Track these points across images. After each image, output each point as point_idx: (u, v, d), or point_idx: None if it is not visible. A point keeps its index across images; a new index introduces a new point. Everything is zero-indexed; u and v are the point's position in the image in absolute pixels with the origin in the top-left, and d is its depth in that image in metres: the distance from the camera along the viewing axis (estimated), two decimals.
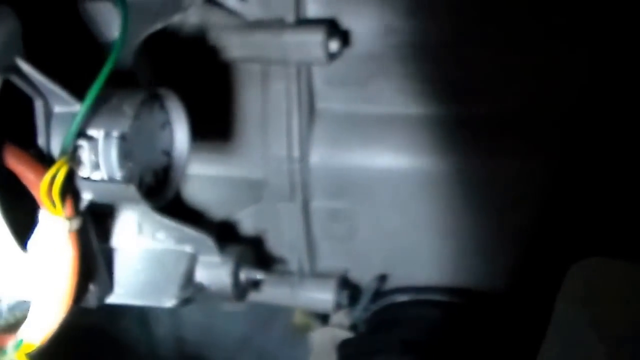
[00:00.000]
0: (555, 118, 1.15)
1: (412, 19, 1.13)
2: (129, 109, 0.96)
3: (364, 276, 1.31)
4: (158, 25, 1.05)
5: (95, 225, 1.11)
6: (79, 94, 0.95)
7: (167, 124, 1.07)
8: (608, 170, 1.16)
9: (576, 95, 1.13)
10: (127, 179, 0.96)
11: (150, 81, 1.11)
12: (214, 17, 1.16)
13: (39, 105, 0.96)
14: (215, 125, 1.23)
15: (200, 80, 1.20)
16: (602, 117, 1.13)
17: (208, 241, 1.16)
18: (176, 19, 1.06)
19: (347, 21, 1.15)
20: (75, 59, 1.02)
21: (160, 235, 1.17)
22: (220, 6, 1.15)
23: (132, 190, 0.98)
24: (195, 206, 1.30)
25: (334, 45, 1.12)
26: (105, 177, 0.96)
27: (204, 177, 1.26)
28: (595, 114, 1.13)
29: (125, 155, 0.96)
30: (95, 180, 0.97)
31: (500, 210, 1.20)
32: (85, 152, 0.95)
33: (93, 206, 1.03)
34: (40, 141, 0.97)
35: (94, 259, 1.10)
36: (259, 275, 1.22)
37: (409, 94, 1.17)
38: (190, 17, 1.16)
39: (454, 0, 1.12)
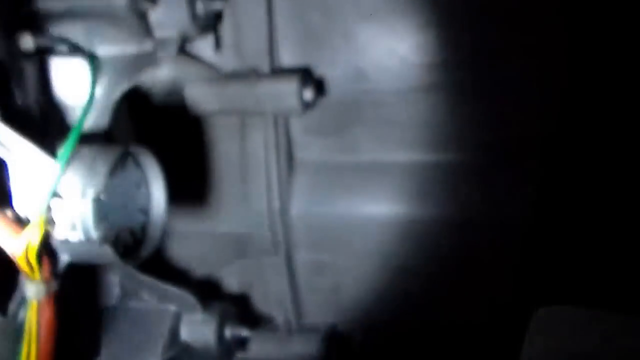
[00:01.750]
0: (532, 166, 1.13)
1: (384, 64, 1.12)
2: (102, 168, 0.94)
3: (352, 329, 1.28)
4: (133, 81, 1.05)
5: (77, 286, 1.10)
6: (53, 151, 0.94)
7: (142, 182, 1.05)
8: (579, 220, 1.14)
9: (552, 142, 1.12)
10: (103, 240, 0.95)
11: (127, 137, 1.10)
12: (189, 70, 1.15)
13: (11, 166, 0.94)
14: (195, 180, 1.21)
15: (178, 134, 1.19)
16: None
17: (191, 299, 1.14)
18: (149, 74, 1.05)
19: (321, 69, 1.14)
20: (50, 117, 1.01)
21: (144, 294, 1.15)
22: (195, 59, 1.14)
23: (107, 250, 0.96)
24: (178, 263, 1.27)
25: (308, 94, 1.11)
26: (82, 238, 0.94)
27: (186, 233, 1.25)
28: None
29: (100, 215, 0.94)
30: (71, 242, 0.95)
31: (480, 258, 1.17)
32: (59, 213, 0.94)
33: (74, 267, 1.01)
34: (15, 202, 0.95)
35: (77, 320, 1.08)
36: (244, 332, 1.19)
37: (386, 141, 1.16)
38: (165, 71, 1.15)
39: (427, 44, 1.11)
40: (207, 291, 1.22)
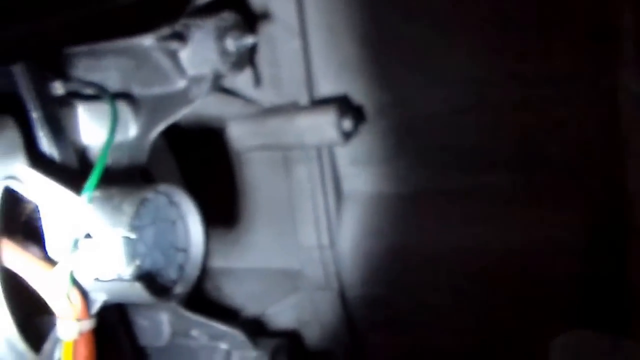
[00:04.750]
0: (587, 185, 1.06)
1: (424, 88, 1.09)
2: (129, 208, 0.95)
3: None
4: (169, 120, 1.05)
5: (125, 325, 1.11)
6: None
7: (178, 220, 1.05)
8: None
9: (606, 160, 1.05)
10: (135, 278, 0.95)
11: (170, 177, 1.11)
12: (229, 107, 1.16)
13: (42, 208, 0.97)
14: (243, 217, 1.21)
15: (222, 171, 1.19)
16: None
17: (241, 336, 1.13)
18: (186, 111, 1.05)
19: (360, 97, 1.12)
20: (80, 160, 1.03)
21: (194, 332, 1.14)
22: (234, 95, 1.14)
23: (140, 288, 0.96)
24: (229, 301, 1.27)
25: (347, 123, 1.09)
26: (113, 277, 0.95)
27: (236, 270, 1.24)
28: None
29: (131, 253, 0.95)
30: (103, 280, 0.96)
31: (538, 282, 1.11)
32: (90, 253, 0.95)
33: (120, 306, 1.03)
34: (47, 243, 0.97)
35: (125, 358, 1.09)
36: None
37: (433, 168, 1.12)
38: (205, 109, 1.16)
39: (466, 65, 1.07)
40: (259, 328, 1.21)
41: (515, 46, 1.04)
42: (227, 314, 1.20)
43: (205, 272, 1.10)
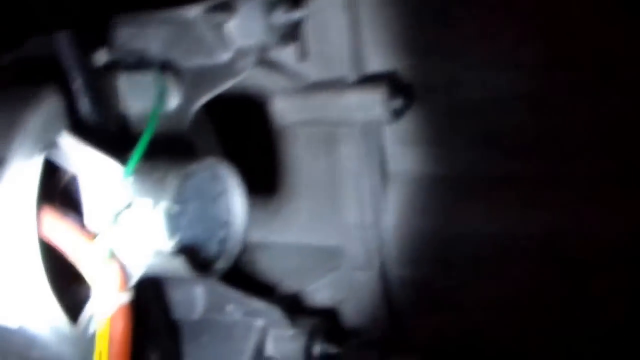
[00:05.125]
0: None
1: (478, 70, 1.06)
2: (174, 180, 0.93)
3: (452, 346, 1.21)
4: (212, 93, 1.03)
5: (159, 297, 1.10)
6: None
7: (221, 195, 1.03)
8: None
9: None
10: (175, 252, 0.94)
11: (211, 150, 1.09)
12: (273, 81, 1.13)
13: (83, 178, 0.95)
14: (284, 192, 1.19)
15: (264, 146, 1.17)
16: None
17: (278, 313, 1.11)
18: (230, 84, 1.03)
19: (411, 76, 1.09)
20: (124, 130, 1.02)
21: (229, 308, 1.13)
22: (279, 68, 1.12)
23: (180, 263, 0.94)
24: (266, 276, 1.25)
25: (397, 102, 1.07)
26: (154, 250, 0.94)
27: (275, 245, 1.22)
28: None
29: (173, 227, 0.93)
30: (143, 253, 0.94)
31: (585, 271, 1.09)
32: (131, 225, 0.93)
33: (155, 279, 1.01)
34: (86, 214, 0.96)
35: (157, 332, 1.08)
36: (334, 349, 1.15)
37: (483, 152, 1.09)
38: (249, 82, 1.13)
39: (524, 48, 1.03)
40: (296, 306, 1.19)
41: (570, 30, 1.00)
42: (262, 289, 1.17)
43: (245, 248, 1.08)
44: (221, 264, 1.03)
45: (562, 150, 1.06)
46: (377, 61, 1.10)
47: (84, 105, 0.97)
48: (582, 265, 1.07)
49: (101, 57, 1.00)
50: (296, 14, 1.02)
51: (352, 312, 1.24)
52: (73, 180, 0.98)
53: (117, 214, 0.93)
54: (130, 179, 0.93)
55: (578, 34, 1.01)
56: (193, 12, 1.00)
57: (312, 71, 1.12)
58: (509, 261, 1.10)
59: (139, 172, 0.93)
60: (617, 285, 1.06)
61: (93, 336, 0.95)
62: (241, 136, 1.18)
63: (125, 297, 0.95)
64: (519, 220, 1.09)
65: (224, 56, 1.02)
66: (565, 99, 1.04)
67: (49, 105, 0.93)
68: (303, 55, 1.11)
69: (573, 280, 1.08)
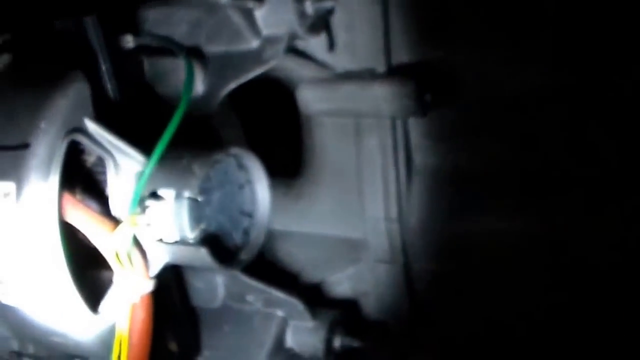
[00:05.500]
0: None
1: (512, 65, 1.03)
2: (199, 170, 0.92)
3: (474, 343, 1.20)
4: (240, 80, 1.02)
5: (179, 285, 1.09)
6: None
7: (245, 185, 1.02)
8: None
9: None
10: (199, 242, 0.93)
11: (236, 139, 1.08)
12: (301, 70, 1.12)
13: (109, 165, 0.94)
14: (308, 182, 1.18)
15: (290, 135, 1.16)
16: None
17: (299, 305, 1.11)
18: (258, 72, 1.01)
19: (441, 69, 1.07)
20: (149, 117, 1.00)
21: (250, 297, 1.12)
22: (308, 58, 1.10)
23: (204, 253, 0.93)
24: (288, 266, 1.25)
25: (427, 95, 1.04)
26: (177, 239, 0.93)
27: (298, 235, 1.21)
28: None
29: (196, 216, 0.92)
30: (166, 242, 0.93)
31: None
32: (155, 213, 0.92)
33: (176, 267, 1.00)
34: (110, 200, 0.95)
35: (177, 320, 1.08)
36: (354, 342, 1.14)
37: (511, 150, 1.07)
38: (277, 71, 1.12)
39: (559, 45, 1.01)
40: (317, 297, 1.18)
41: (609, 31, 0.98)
42: (283, 278, 1.17)
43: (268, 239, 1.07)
44: (244, 255, 1.02)
45: (592, 151, 1.05)
46: (405, 53, 1.08)
47: (111, 90, 0.96)
48: (597, 268, 1.06)
49: (128, 41, 0.99)
50: (326, 4, 1.00)
51: (374, 305, 1.23)
52: (97, 164, 0.97)
53: (142, 201, 0.92)
54: (155, 167, 0.92)
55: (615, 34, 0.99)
56: None
57: (340, 62, 1.10)
58: (531, 259, 1.09)
59: (163, 160, 0.92)
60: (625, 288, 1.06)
61: (113, 325, 0.95)
62: (267, 124, 1.17)
63: (147, 286, 0.95)
64: (542, 218, 1.07)
65: (253, 43, 1.00)
66: (601, 98, 1.03)
67: (76, 90, 0.91)
68: (331, 45, 1.09)
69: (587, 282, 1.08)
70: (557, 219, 1.06)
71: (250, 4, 0.97)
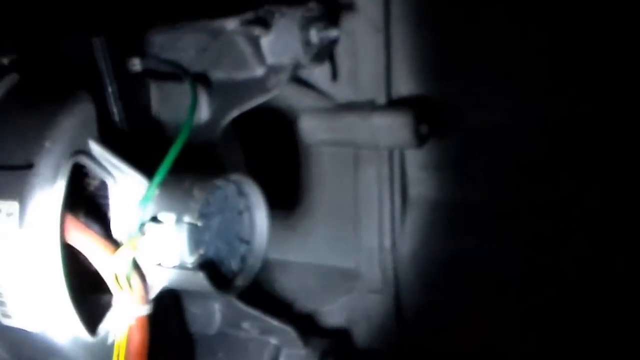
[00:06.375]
0: None
1: (506, 96, 1.05)
2: (199, 195, 0.92)
3: None
4: (243, 107, 1.03)
5: (177, 310, 1.09)
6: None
7: (244, 211, 1.02)
8: None
9: None
10: (197, 266, 0.93)
11: (237, 165, 1.09)
12: (303, 99, 1.13)
13: (111, 188, 0.94)
14: (304, 211, 1.18)
15: (289, 164, 1.17)
16: None
17: (292, 333, 1.11)
18: (261, 100, 1.02)
19: (436, 99, 1.09)
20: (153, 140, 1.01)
21: (245, 324, 1.12)
22: (310, 87, 1.11)
23: (202, 278, 0.93)
24: (284, 295, 1.25)
25: (424, 127, 1.06)
26: (175, 264, 0.93)
27: (292, 264, 1.22)
28: None
29: (195, 241, 0.92)
30: (165, 267, 0.93)
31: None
32: (154, 237, 0.92)
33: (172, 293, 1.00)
34: (112, 224, 0.95)
35: (174, 345, 1.07)
36: None
37: (505, 180, 1.09)
38: (278, 99, 1.13)
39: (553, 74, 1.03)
40: (310, 325, 1.19)
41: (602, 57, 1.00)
42: (278, 307, 1.17)
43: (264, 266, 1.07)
44: (240, 281, 1.02)
45: (581, 179, 1.06)
46: (405, 84, 1.10)
47: (116, 112, 0.96)
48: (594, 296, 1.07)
49: (135, 64, 0.99)
50: (332, 33, 1.02)
51: (364, 334, 1.23)
52: (100, 187, 0.97)
53: (142, 225, 0.92)
54: (156, 191, 0.92)
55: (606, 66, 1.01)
56: (229, 24, 0.99)
57: (342, 92, 1.11)
58: (526, 288, 1.10)
59: (164, 184, 0.92)
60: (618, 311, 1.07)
61: (111, 346, 0.95)
62: (266, 151, 1.17)
63: (145, 310, 0.95)
64: (538, 248, 1.08)
65: (258, 71, 1.01)
66: (589, 129, 1.04)
67: (81, 111, 0.91)
68: (334, 75, 1.10)
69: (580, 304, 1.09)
70: (560, 251, 1.07)
71: (257, 31, 0.98)
